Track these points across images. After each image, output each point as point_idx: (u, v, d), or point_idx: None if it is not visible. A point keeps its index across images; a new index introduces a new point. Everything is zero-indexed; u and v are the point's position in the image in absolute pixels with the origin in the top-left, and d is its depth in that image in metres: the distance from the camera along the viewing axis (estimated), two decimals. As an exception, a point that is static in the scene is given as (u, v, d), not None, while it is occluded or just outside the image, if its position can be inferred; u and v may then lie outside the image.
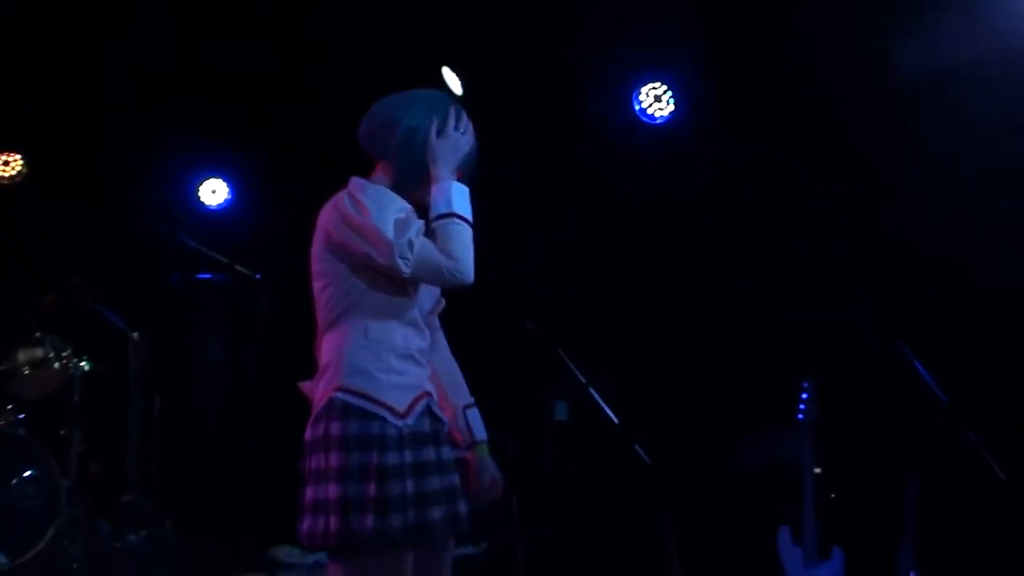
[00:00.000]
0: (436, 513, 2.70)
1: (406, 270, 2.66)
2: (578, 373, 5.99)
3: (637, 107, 6.31)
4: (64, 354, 5.37)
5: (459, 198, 2.78)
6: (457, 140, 2.86)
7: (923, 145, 5.56)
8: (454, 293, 6.78)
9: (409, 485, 2.65)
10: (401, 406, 2.70)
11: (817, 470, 5.27)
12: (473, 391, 6.64)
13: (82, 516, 5.21)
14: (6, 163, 6.78)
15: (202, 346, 6.58)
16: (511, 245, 6.59)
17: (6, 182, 6.76)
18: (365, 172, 2.92)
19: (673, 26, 5.87)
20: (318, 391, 2.76)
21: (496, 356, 6.57)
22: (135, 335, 5.71)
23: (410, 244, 2.65)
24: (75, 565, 5.03)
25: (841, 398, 5.45)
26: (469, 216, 2.80)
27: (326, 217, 2.78)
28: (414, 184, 2.84)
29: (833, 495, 5.45)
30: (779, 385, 5.55)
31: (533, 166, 6.37)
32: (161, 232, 5.77)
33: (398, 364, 2.74)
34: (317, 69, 6.38)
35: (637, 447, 5.87)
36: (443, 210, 2.75)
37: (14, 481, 4.91)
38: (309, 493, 2.68)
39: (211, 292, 6.37)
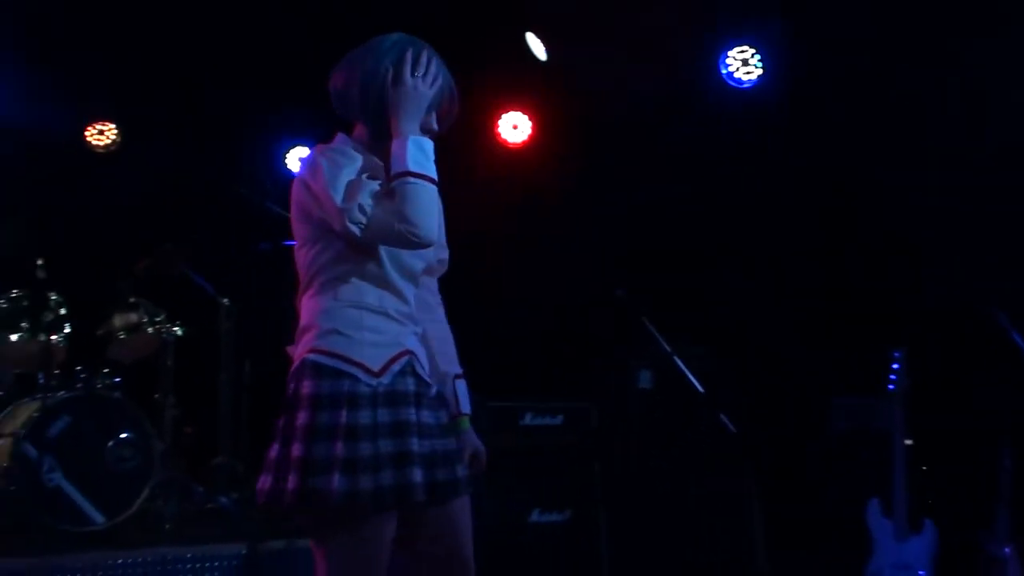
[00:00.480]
0: (418, 475, 2.55)
1: (359, 234, 2.55)
2: (663, 342, 5.96)
3: (724, 71, 6.22)
4: (157, 319, 5.50)
5: (416, 154, 2.61)
6: (416, 87, 2.66)
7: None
8: (542, 263, 6.83)
9: (384, 445, 2.53)
10: (375, 365, 2.60)
11: (908, 441, 5.18)
12: (557, 358, 6.68)
13: (176, 478, 5.33)
14: (101, 132, 6.94)
15: (290, 312, 6.66)
16: (599, 212, 6.57)
17: (101, 150, 6.92)
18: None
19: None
20: (296, 354, 2.67)
21: (581, 323, 6.57)
22: (225, 301, 5.82)
23: (360, 208, 2.53)
24: (168, 525, 5.16)
25: (934, 368, 5.34)
26: (429, 171, 2.62)
27: (297, 178, 2.69)
28: (386, 139, 2.68)
29: (924, 467, 5.35)
30: (870, 354, 5.46)
31: (622, 133, 6.32)
32: (249, 200, 5.84)
33: (372, 322, 2.63)
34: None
35: (722, 416, 5.83)
36: (398, 168, 2.60)
37: (110, 443, 5.02)
38: (271, 452, 2.61)
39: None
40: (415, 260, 2.75)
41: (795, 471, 6.02)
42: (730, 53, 6.19)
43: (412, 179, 2.58)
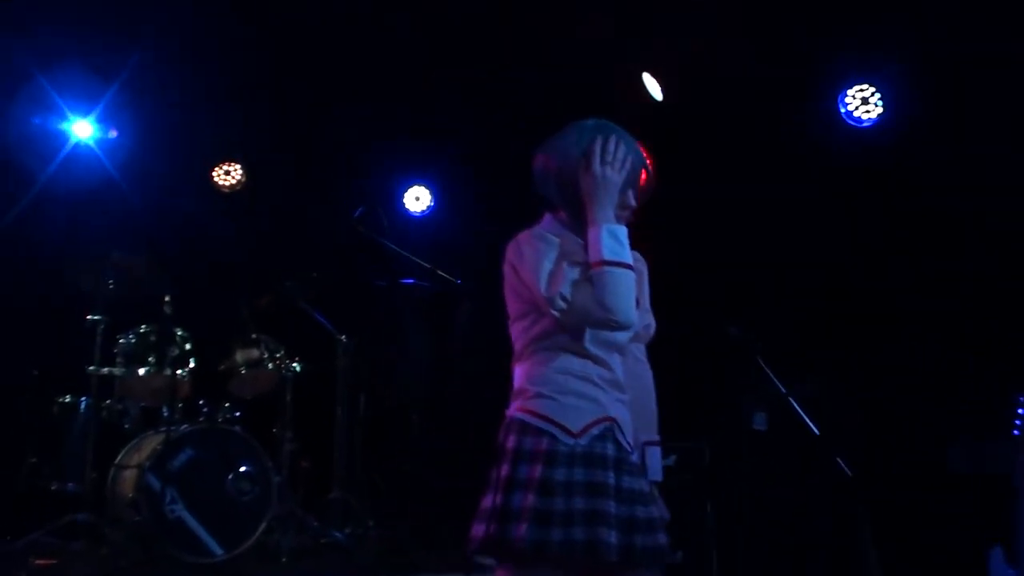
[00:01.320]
0: (612, 536, 2.65)
1: (562, 320, 2.74)
2: (778, 382, 5.88)
3: (843, 110, 6.14)
4: (278, 355, 5.65)
5: (610, 242, 2.77)
6: (605, 176, 2.81)
7: None
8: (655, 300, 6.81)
9: (577, 502, 2.64)
10: (575, 426, 2.73)
11: (1031, 487, 5.01)
12: (672, 397, 6.64)
13: (292, 511, 5.46)
14: (228, 172, 7.17)
15: (406, 348, 6.77)
16: (715, 251, 6.53)
17: (227, 190, 7.15)
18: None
19: (884, 25, 5.66)
20: (508, 414, 2.85)
21: (696, 362, 6.53)
22: (343, 337, 5.94)
23: (563, 297, 2.72)
24: (284, 559, 5.27)
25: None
26: (623, 257, 2.77)
27: (506, 260, 2.87)
28: (583, 221, 2.84)
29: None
30: (994, 397, 5.30)
31: (738, 170, 6.28)
32: (368, 239, 5.97)
33: (577, 387, 2.78)
34: (518, 78, 6.47)
35: (839, 460, 5.72)
36: (595, 257, 2.76)
37: (230, 476, 5.16)
38: (483, 502, 2.76)
39: (415, 297, 6.56)
40: (619, 333, 2.87)
41: (912, 515, 5.86)
42: (850, 92, 6.10)
43: (608, 268, 2.74)
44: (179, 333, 5.50)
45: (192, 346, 5.51)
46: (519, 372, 2.86)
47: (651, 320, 3.11)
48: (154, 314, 5.48)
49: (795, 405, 5.82)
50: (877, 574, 5.93)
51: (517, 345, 2.88)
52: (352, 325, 6.08)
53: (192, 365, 5.49)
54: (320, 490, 5.86)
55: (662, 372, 6.90)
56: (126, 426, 5.49)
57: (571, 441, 2.71)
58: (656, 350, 6.82)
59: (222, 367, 5.65)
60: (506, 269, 2.87)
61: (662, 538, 2.81)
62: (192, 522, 5.03)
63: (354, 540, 5.59)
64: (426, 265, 5.94)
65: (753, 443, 6.18)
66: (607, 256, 2.74)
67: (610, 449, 2.75)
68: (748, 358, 5.99)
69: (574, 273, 2.75)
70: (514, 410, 2.81)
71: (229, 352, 5.69)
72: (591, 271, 2.75)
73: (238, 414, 5.48)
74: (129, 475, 5.18)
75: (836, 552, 5.97)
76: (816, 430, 5.75)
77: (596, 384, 2.80)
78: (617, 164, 2.83)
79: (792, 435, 5.97)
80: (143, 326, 5.46)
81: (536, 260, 2.76)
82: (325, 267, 6.41)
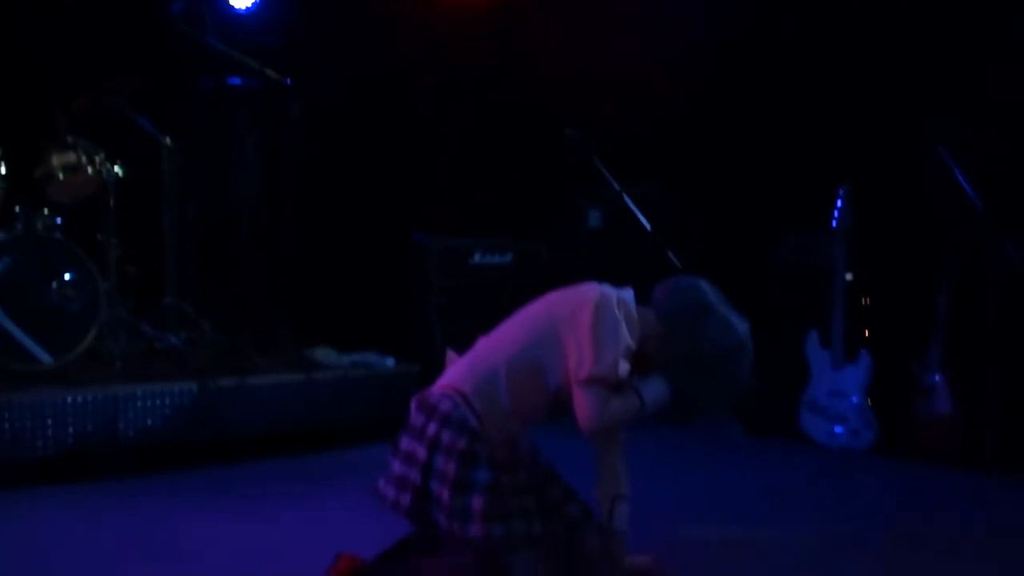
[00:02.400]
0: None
1: (565, 395, 2.96)
2: (612, 180, 5.96)
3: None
4: (97, 158, 5.38)
5: (659, 401, 3.02)
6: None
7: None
8: (494, 103, 6.77)
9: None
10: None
11: (848, 276, 5.28)
12: (510, 200, 6.67)
13: (123, 317, 5.33)
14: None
15: (235, 152, 6.56)
16: (555, 55, 6.45)
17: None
18: None
19: None
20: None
21: (533, 163, 6.55)
22: (167, 140, 5.72)
23: (617, 370, 2.92)
24: (118, 364, 5.17)
25: (877, 204, 5.40)
26: (646, 414, 3.02)
27: (590, 297, 2.98)
28: (648, 357, 3.04)
29: (864, 300, 5.47)
30: (816, 191, 5.50)
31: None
32: (189, 36, 5.68)
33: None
34: None
35: (670, 253, 5.88)
36: (646, 399, 3.00)
37: (54, 284, 4.98)
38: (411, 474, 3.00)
39: (242, 98, 6.33)
40: None
41: (739, 305, 6.11)
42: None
43: (642, 410, 3.00)
44: (-13, 137, 5.17)
45: (3, 151, 5.20)
46: (484, 368, 3.00)
47: None
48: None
49: (628, 202, 5.94)
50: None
51: (506, 351, 3.01)
52: (176, 128, 5.85)
53: (4, 171, 5.19)
54: (152, 297, 5.73)
55: (496, 172, 6.92)
56: (-65, 234, 5.21)
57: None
58: (495, 150, 6.81)
59: (38, 173, 5.36)
60: (577, 301, 2.98)
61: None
62: (16, 331, 4.84)
63: (190, 344, 5.53)
64: (253, 64, 5.72)
65: (589, 241, 6.31)
66: (648, 410, 3.00)
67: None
68: (584, 158, 6.03)
69: (625, 372, 2.95)
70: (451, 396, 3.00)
71: (45, 157, 5.39)
72: (634, 396, 2.99)
73: (59, 221, 5.25)
74: (-57, 285, 4.95)
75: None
76: (648, 225, 5.88)
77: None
78: None
79: (627, 231, 6.11)
80: (-54, 130, 5.10)
81: (619, 335, 2.93)
82: (145, 67, 6.10)
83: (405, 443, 3.02)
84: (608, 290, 3.01)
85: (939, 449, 4.85)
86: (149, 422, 4.78)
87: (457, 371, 3.07)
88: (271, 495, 4.41)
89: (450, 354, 3.18)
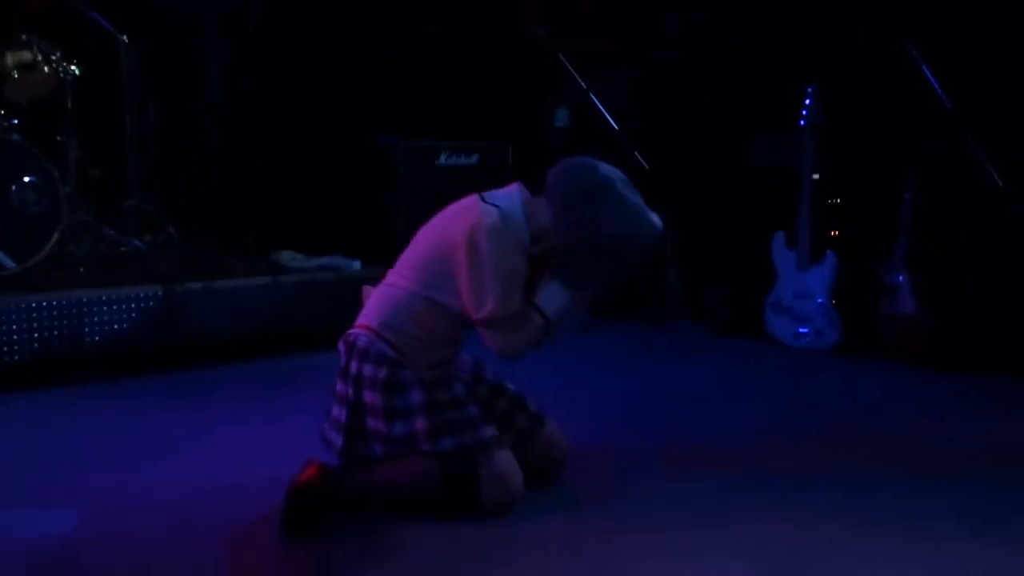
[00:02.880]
0: None
1: (484, 320, 2.93)
2: (580, 79, 5.89)
3: None
4: (53, 57, 5.25)
5: (562, 309, 2.98)
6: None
7: None
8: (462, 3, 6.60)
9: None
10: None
11: (815, 176, 5.28)
12: (476, 102, 6.56)
13: (85, 221, 5.26)
14: None
15: (196, 51, 6.43)
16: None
17: None
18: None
19: None
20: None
21: (498, 63, 6.46)
22: (124, 38, 5.58)
23: (508, 305, 2.89)
24: (82, 268, 5.13)
25: (846, 104, 5.37)
26: (559, 322, 2.99)
27: (464, 223, 2.93)
28: (549, 253, 2.99)
29: (831, 201, 5.48)
30: (789, 91, 5.46)
31: None
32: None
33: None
34: None
35: (636, 153, 5.85)
36: (543, 305, 2.96)
37: (13, 187, 4.89)
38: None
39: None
40: None
41: (709, 207, 6.12)
42: None
43: (547, 325, 2.96)
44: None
45: (-46, 47, 5.06)
46: (391, 305, 3.02)
47: None
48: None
49: (595, 101, 5.88)
50: (673, 267, 6.24)
51: (406, 286, 3.01)
52: (136, 26, 5.70)
53: (-43, 71, 5.06)
54: (115, 200, 5.66)
55: (468, 73, 6.82)
56: None
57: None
58: (460, 51, 6.69)
59: (-8, 72, 5.24)
60: (460, 231, 2.91)
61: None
62: (-23, 236, 4.80)
63: (155, 248, 5.48)
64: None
65: (556, 140, 6.25)
66: (553, 316, 2.95)
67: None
68: (550, 57, 5.95)
69: (517, 302, 2.91)
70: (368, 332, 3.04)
71: (-2, 55, 5.25)
72: (534, 313, 2.94)
73: (15, 122, 5.13)
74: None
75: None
76: (615, 125, 5.84)
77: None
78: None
79: (593, 131, 6.06)
80: None
81: (502, 264, 2.88)
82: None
83: (338, 385, 3.06)
84: (484, 214, 2.92)
85: (902, 349, 4.91)
86: (115, 327, 4.76)
87: (370, 308, 3.08)
88: (238, 399, 4.43)
89: (365, 289, 3.18)
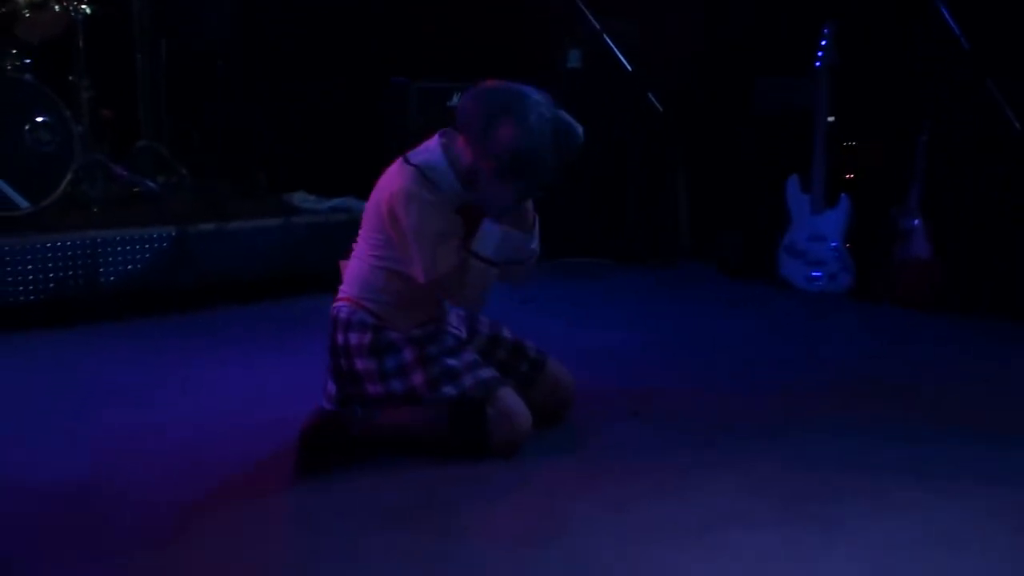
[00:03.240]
0: None
1: (426, 285, 2.94)
2: (593, 19, 5.83)
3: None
4: (63, -5, 5.23)
5: (500, 245, 2.97)
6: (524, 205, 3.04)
7: None
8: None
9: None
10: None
11: (830, 118, 5.23)
12: (487, 39, 6.49)
13: (98, 161, 5.27)
14: None
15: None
16: None
17: None
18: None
19: None
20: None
21: (510, 2, 6.38)
22: (134, -24, 5.56)
23: (438, 272, 2.90)
24: (95, 209, 5.14)
25: (860, 45, 5.30)
26: (502, 259, 2.98)
27: (387, 191, 2.94)
28: (473, 180, 2.96)
29: (845, 144, 5.43)
30: (799, 31, 5.40)
31: None
32: None
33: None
34: None
35: (650, 95, 5.81)
36: (481, 250, 2.95)
37: (27, 127, 4.89)
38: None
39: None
40: None
41: (721, 150, 6.08)
42: None
43: (489, 268, 2.96)
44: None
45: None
46: (361, 275, 3.07)
47: None
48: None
49: (609, 42, 5.83)
50: (685, 208, 6.22)
51: (367, 255, 3.05)
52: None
53: (-32, 8, 5.04)
54: (128, 140, 5.65)
55: (481, 12, 6.72)
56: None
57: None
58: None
59: (3, 10, 5.20)
60: (384, 199, 2.93)
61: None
62: (-9, 176, 4.82)
63: (168, 189, 5.48)
64: None
65: (569, 82, 6.20)
66: (494, 256, 2.95)
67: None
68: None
69: (453, 257, 2.91)
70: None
71: (7, -6, 5.22)
72: (473, 260, 2.93)
73: (27, 61, 5.12)
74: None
75: (648, 187, 6.19)
76: (629, 66, 5.79)
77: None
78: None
79: (606, 72, 6.01)
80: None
81: (423, 223, 2.87)
82: None
83: (329, 361, 3.09)
84: (402, 180, 2.92)
85: (915, 293, 4.90)
86: (128, 267, 4.78)
87: (346, 279, 3.12)
88: (249, 340, 4.45)
89: (342, 264, 3.20)
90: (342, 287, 3.12)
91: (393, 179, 2.96)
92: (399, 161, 3.01)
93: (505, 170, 2.87)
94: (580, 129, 2.94)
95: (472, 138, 2.91)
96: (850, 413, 3.43)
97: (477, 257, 2.95)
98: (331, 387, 3.10)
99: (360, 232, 3.10)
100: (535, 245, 3.11)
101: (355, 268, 3.09)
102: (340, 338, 3.04)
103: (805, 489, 2.79)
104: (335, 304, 3.10)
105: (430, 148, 3.00)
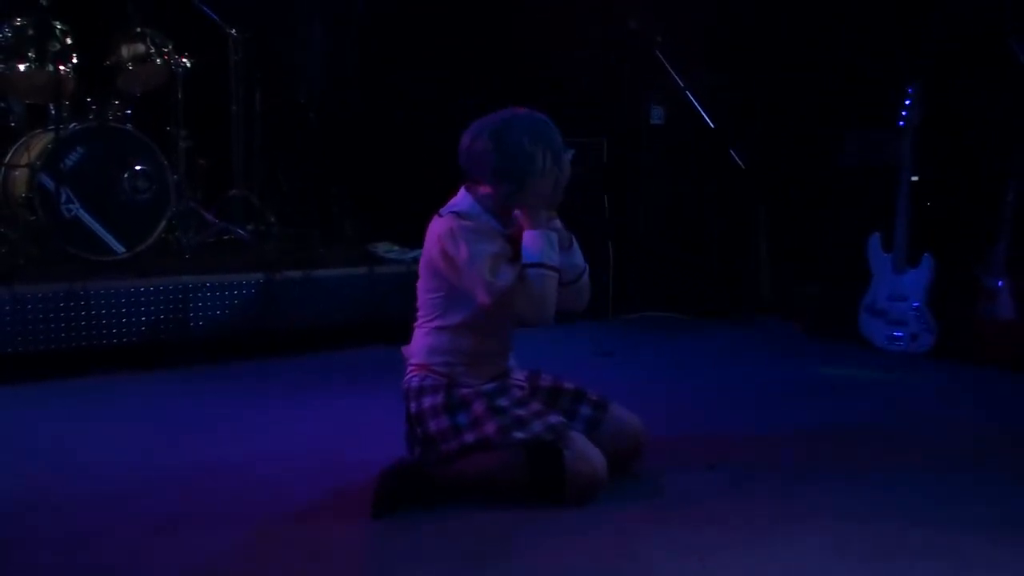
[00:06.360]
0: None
1: (491, 305, 2.99)
2: (676, 76, 5.89)
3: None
4: (165, 49, 5.44)
5: (547, 250, 3.03)
6: (553, 198, 3.10)
7: None
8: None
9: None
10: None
11: (914, 177, 5.20)
12: (572, 95, 6.55)
13: (192, 209, 5.44)
14: None
15: (301, 42, 6.57)
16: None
17: None
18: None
19: None
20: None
21: (595, 57, 6.47)
22: (233, 31, 5.75)
23: (500, 287, 2.96)
24: (187, 255, 5.31)
25: (947, 103, 5.28)
26: (554, 261, 3.04)
27: (434, 241, 3.08)
28: (503, 206, 3.10)
29: (928, 203, 5.39)
30: (885, 88, 5.39)
31: None
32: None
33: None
34: None
35: (732, 152, 5.84)
36: (532, 259, 3.01)
37: (125, 174, 5.08)
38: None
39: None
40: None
41: (804, 205, 6.07)
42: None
43: (545, 271, 3.02)
44: (58, 27, 5.22)
45: (73, 40, 5.26)
46: (424, 341, 3.17)
47: None
48: (29, 5, 5.19)
49: (691, 99, 5.88)
50: (766, 265, 6.21)
51: (424, 318, 3.18)
52: (243, 18, 5.86)
53: (75, 61, 5.26)
54: (220, 188, 5.83)
55: (566, 68, 6.79)
56: (12, 124, 5.32)
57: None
58: (558, 46, 6.65)
59: (108, 63, 5.44)
60: (434, 248, 3.07)
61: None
62: (90, 220, 4.99)
63: (256, 236, 5.63)
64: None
65: (651, 138, 6.26)
66: (546, 261, 3.01)
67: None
68: (647, 51, 5.96)
69: (511, 272, 2.99)
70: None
71: (114, 47, 5.45)
72: (527, 271, 3.00)
73: (128, 112, 5.33)
74: (20, 175, 5.07)
75: (730, 240, 6.20)
76: (711, 123, 5.83)
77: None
78: (561, 186, 3.10)
79: (689, 128, 6.06)
80: (17, 19, 5.14)
81: (477, 253, 2.98)
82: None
83: (407, 431, 3.18)
84: (445, 224, 3.06)
85: (999, 354, 4.82)
86: (218, 312, 4.91)
87: (412, 353, 3.22)
88: (334, 387, 4.54)
89: (404, 350, 3.28)
90: (410, 361, 3.22)
91: (434, 230, 3.11)
92: (434, 219, 3.15)
93: (504, 172, 3.03)
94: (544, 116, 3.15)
95: (477, 174, 3.10)
96: (932, 471, 3.40)
97: (530, 266, 3.03)
98: (408, 455, 3.19)
99: (418, 304, 3.22)
100: (579, 260, 3.22)
101: (419, 338, 3.21)
102: (413, 406, 3.14)
103: (887, 544, 2.77)
104: (406, 377, 3.20)
105: (460, 199, 3.17)
